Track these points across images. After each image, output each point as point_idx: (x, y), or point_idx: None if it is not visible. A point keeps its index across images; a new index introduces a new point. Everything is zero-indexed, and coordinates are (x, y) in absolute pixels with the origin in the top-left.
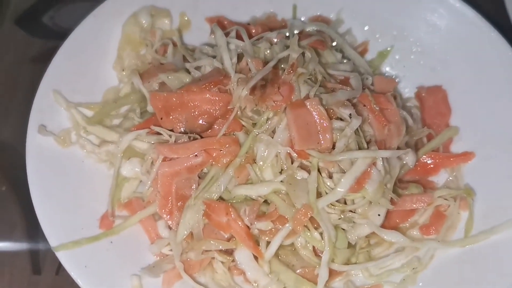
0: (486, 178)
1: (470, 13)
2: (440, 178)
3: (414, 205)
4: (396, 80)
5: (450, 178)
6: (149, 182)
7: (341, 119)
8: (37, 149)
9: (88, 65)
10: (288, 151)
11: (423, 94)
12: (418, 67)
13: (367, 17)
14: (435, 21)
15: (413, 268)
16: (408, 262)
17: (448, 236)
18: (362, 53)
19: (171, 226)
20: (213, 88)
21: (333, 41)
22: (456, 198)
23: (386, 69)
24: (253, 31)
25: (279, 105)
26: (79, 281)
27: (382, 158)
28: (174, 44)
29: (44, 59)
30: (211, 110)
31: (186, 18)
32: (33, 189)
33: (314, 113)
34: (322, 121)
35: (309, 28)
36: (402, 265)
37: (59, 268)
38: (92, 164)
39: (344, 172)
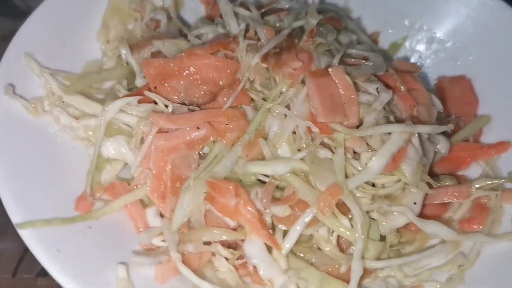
0: None
1: None
2: (471, 172)
3: (451, 198)
4: (420, 65)
5: (486, 170)
6: (139, 160)
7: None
8: (3, 114)
9: (69, 31)
10: (309, 126)
11: (446, 84)
12: (436, 57)
13: (378, 6)
14: (451, 6)
15: (460, 266)
16: (453, 259)
17: (494, 231)
18: None
19: (163, 213)
20: (219, 52)
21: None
22: (498, 189)
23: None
24: None
25: (297, 74)
26: (49, 267)
27: (418, 136)
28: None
29: None
30: (216, 78)
31: None
32: None
33: (338, 83)
34: (348, 92)
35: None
36: (446, 262)
37: (17, 268)
38: (67, 141)
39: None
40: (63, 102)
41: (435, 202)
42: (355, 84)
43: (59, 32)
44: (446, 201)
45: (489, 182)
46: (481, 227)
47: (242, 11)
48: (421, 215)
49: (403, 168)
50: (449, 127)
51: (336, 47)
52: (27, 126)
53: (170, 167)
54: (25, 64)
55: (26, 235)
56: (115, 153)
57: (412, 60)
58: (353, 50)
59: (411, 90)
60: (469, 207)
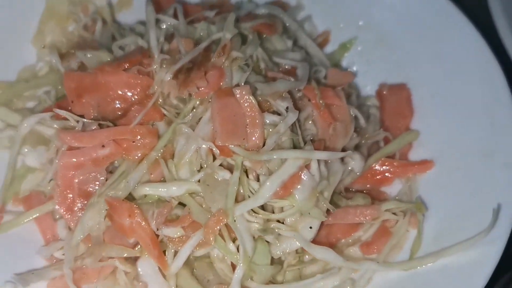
0: (442, 192)
1: (448, 6)
2: (394, 189)
3: (357, 219)
4: (354, 74)
5: (404, 189)
6: (51, 174)
7: (278, 114)
8: None
9: (4, 37)
10: (210, 147)
11: (384, 92)
12: (383, 63)
13: (331, 3)
14: (406, 12)
15: None
16: (341, 284)
17: (391, 257)
18: (323, 44)
19: (70, 226)
20: (131, 68)
21: (287, 28)
22: (406, 213)
23: (347, 62)
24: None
25: (204, 92)
26: None
27: (318, 161)
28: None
29: None
30: (127, 95)
31: None
32: None
33: (243, 103)
34: (252, 113)
35: (259, 11)
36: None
37: None
38: None
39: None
40: None
41: (343, 222)
42: (267, 101)
43: None
44: (353, 221)
45: (397, 206)
46: (377, 254)
47: (167, 19)
48: (331, 235)
49: (295, 194)
50: (348, 153)
51: (263, 57)
52: None
53: (77, 182)
54: None
55: None
56: (37, 163)
57: (358, 62)
58: (283, 60)
59: (331, 105)
60: (375, 228)
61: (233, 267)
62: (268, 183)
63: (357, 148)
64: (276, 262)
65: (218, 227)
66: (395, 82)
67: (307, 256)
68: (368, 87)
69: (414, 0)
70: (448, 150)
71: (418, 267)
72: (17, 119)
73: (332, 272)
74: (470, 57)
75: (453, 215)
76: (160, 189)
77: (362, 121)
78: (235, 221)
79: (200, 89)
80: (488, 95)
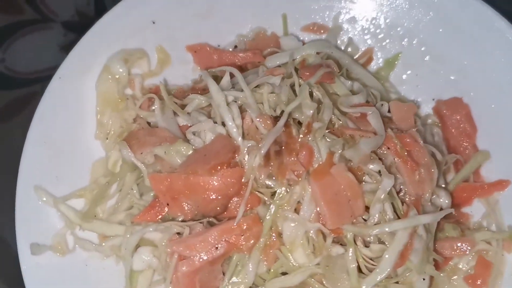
0: None
1: (492, 14)
2: (474, 208)
3: (454, 253)
4: (416, 104)
5: (487, 212)
6: (169, 280)
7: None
8: (35, 270)
9: (66, 143)
10: (319, 228)
11: (443, 111)
12: (433, 76)
13: (369, 19)
14: (452, 22)
15: None
16: None
17: (496, 285)
18: (367, 63)
19: None
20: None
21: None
22: (498, 239)
23: (394, 79)
24: (241, 55)
25: (300, 175)
26: None
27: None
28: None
29: (8, 114)
30: (224, 190)
31: (164, 52)
32: None
33: (341, 180)
34: (352, 188)
35: (308, 51)
36: None
37: None
38: (97, 264)
39: (382, 242)
40: (83, 231)
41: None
42: (358, 168)
43: (58, 147)
44: (451, 256)
45: (491, 236)
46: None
47: (233, 93)
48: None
49: (411, 260)
50: (447, 211)
51: (336, 113)
52: (58, 267)
53: (199, 284)
54: (37, 198)
55: None
56: (144, 265)
57: (408, 78)
58: (351, 110)
59: (411, 150)
60: (473, 258)
61: None
62: (387, 257)
63: None
64: None
65: None
66: (448, 96)
67: None
68: (422, 104)
69: (462, 14)
70: None
71: None
72: (115, 230)
73: None
74: None
75: None
76: (287, 281)
77: (439, 156)
78: None
79: (296, 172)
80: None
